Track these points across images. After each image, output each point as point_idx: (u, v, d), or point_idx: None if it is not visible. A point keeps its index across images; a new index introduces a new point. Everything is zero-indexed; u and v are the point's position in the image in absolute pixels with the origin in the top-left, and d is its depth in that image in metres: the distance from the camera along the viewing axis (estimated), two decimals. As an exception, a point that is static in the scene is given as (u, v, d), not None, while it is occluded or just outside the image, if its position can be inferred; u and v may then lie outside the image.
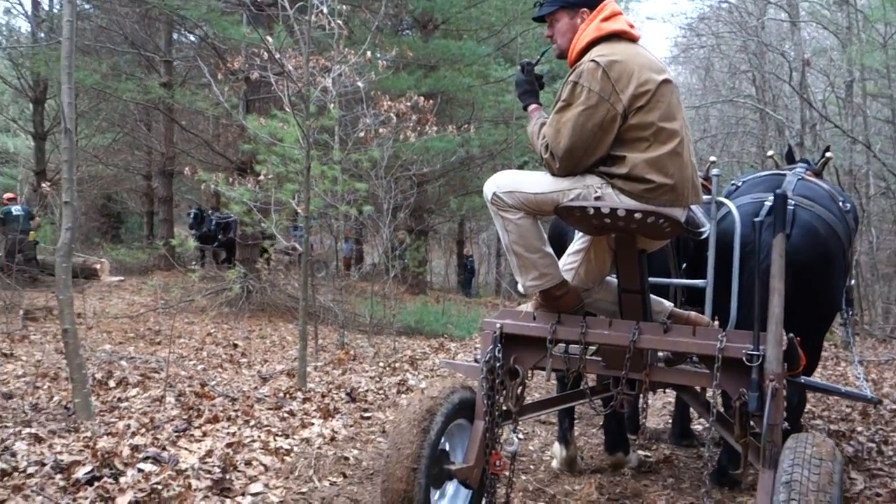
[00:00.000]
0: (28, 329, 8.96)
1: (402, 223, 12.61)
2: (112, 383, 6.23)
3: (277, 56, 7.68)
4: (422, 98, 9.00)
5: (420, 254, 15.17)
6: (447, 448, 3.13)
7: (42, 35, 19.37)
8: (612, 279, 3.27)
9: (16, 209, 13.74)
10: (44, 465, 3.85)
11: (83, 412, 4.76)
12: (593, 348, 3.19)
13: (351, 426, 5.21)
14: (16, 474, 3.78)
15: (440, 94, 13.43)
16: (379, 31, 13.43)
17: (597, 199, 2.76)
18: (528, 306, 3.22)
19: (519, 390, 3.16)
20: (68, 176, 4.90)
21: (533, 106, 3.05)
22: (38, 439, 4.31)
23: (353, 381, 6.78)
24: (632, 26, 2.92)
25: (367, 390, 6.41)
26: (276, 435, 4.72)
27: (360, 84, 7.87)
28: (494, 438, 3.11)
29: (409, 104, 8.30)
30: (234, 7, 11.29)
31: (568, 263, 3.25)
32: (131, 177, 23.41)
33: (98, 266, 14.37)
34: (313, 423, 5.08)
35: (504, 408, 3.15)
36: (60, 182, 16.39)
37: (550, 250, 3.00)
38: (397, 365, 7.94)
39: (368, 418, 5.48)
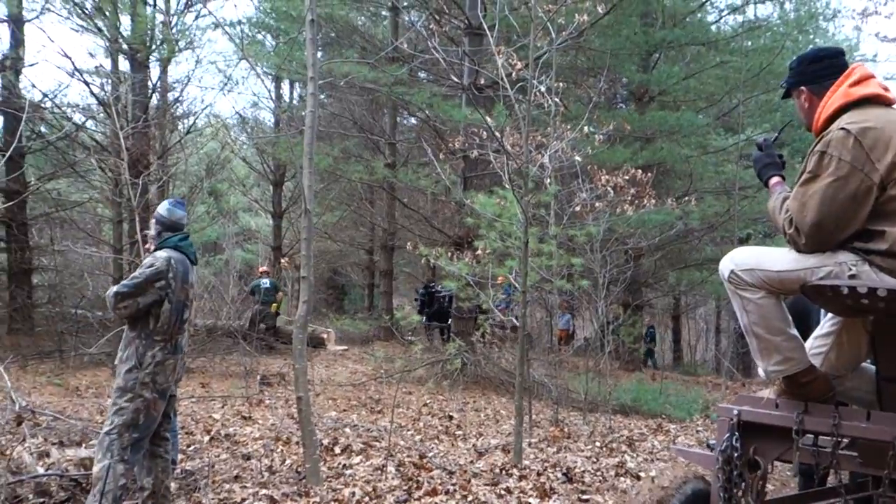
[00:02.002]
0: (264, 394, 9.71)
1: (617, 298, 12.34)
2: (338, 450, 6.53)
3: (497, 135, 7.95)
4: (639, 171, 8.85)
5: (635, 329, 14.69)
6: (679, 544, 2.91)
7: (282, 125, 21.65)
8: (868, 366, 2.93)
9: (264, 282, 15.08)
10: (279, 527, 4.08)
11: (313, 477, 5.02)
12: (846, 441, 2.86)
13: (569, 509, 5.05)
14: (255, 535, 4.03)
15: (657, 165, 13.19)
16: (595, 106, 13.56)
17: (851, 277, 2.50)
18: (769, 392, 2.96)
19: (760, 484, 2.89)
20: (306, 253, 5.31)
21: (775, 179, 2.86)
22: (272, 501, 4.59)
23: (568, 461, 6.59)
24: (886, 90, 2.67)
25: (583, 471, 6.20)
26: (494, 513, 4.68)
27: (577, 159, 7.90)
28: (733, 536, 2.84)
29: (626, 177, 8.21)
30: (455, 91, 11.91)
31: (815, 347, 2.97)
32: (355, 251, 25.09)
33: (325, 335, 15.35)
34: (530, 503, 4.98)
35: (743, 503, 2.89)
36: (295, 257, 17.79)
37: (795, 332, 2.75)
38: (614, 445, 7.64)
39: (586, 501, 5.28)
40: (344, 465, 5.93)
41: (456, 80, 12.31)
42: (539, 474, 5.88)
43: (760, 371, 2.89)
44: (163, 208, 4.33)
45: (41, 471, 4.65)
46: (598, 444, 7.59)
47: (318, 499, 4.66)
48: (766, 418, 2.85)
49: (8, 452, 5.03)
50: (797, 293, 2.66)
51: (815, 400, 2.77)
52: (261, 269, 16.78)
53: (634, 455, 7.17)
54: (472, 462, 6.40)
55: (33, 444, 5.59)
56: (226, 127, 24.65)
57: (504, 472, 5.90)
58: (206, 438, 6.71)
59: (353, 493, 4.82)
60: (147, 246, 4.25)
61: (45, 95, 13.39)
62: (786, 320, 2.71)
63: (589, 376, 9.80)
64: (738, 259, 2.73)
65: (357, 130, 17.92)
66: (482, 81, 11.79)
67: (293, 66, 13.04)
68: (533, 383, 10.10)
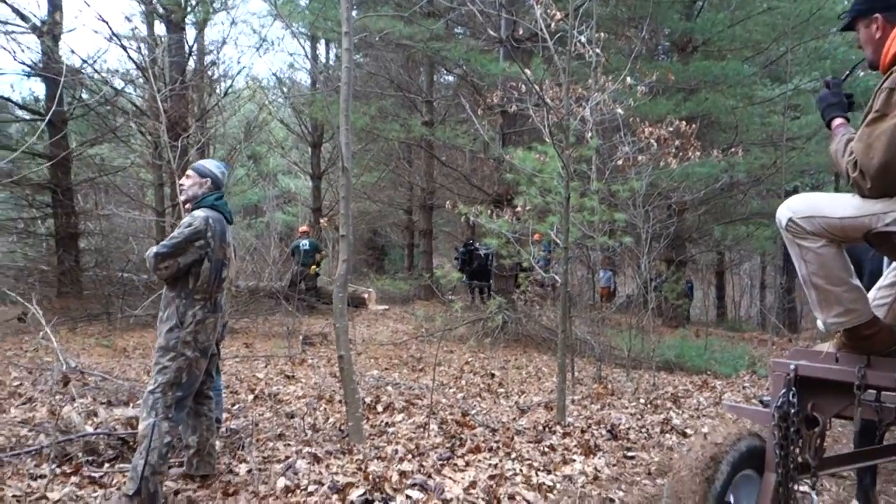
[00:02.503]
0: (306, 353, 9.78)
1: (660, 254, 12.12)
2: (380, 408, 6.53)
3: (536, 88, 7.76)
4: (683, 122, 8.58)
5: (679, 286, 14.45)
6: (732, 502, 2.82)
7: (318, 85, 21.55)
8: (935, 317, 2.77)
9: (304, 243, 15.13)
10: (321, 484, 4.07)
11: (356, 435, 5.02)
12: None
13: (614, 465, 4.98)
14: (298, 491, 4.03)
15: (701, 117, 12.81)
16: (636, 57, 13.17)
17: (920, 222, 2.34)
18: (828, 346, 2.83)
19: (818, 441, 2.77)
20: (344, 212, 5.24)
21: (838, 121, 2.67)
22: (316, 459, 4.59)
23: (612, 418, 6.52)
24: (963, 22, 2.47)
25: (628, 428, 6.12)
26: (538, 470, 4.62)
27: (618, 111, 7.68)
28: (789, 494, 2.74)
29: (669, 129, 7.96)
30: (492, 45, 11.66)
31: (879, 298, 2.82)
32: (394, 211, 25.06)
33: (366, 295, 15.40)
34: (574, 460, 4.93)
35: (800, 460, 2.78)
36: (335, 218, 17.73)
37: (857, 282, 2.60)
38: (658, 402, 7.53)
39: (632, 458, 5.20)
40: (386, 423, 5.93)
41: (493, 33, 12.05)
42: (583, 431, 5.82)
43: (819, 324, 2.75)
44: (214, 165, 4.28)
45: (89, 430, 4.71)
46: (642, 400, 7.49)
47: (360, 456, 4.66)
48: (826, 373, 2.73)
49: (57, 412, 5.11)
50: (860, 241, 2.52)
51: (878, 353, 2.64)
52: (300, 230, 16.82)
53: (680, 412, 7.06)
54: (514, 419, 6.36)
55: (82, 403, 5.67)
56: (263, 88, 24.67)
57: (547, 429, 5.85)
58: (251, 397, 6.77)
59: (396, 451, 4.81)
60: (182, 199, 4.19)
61: (84, 61, 13.46)
62: (847, 270, 2.57)
63: (632, 333, 9.67)
64: (797, 206, 2.58)
65: (394, 89, 17.76)
66: (520, 33, 11.51)
67: (328, 25, 12.90)
68: (575, 340, 10.01)
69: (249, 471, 4.41)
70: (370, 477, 4.22)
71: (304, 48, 22.98)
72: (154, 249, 3.91)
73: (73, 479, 4.16)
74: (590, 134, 7.79)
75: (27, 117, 13.50)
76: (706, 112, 12.93)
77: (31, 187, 13.07)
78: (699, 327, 17.09)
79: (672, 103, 11.70)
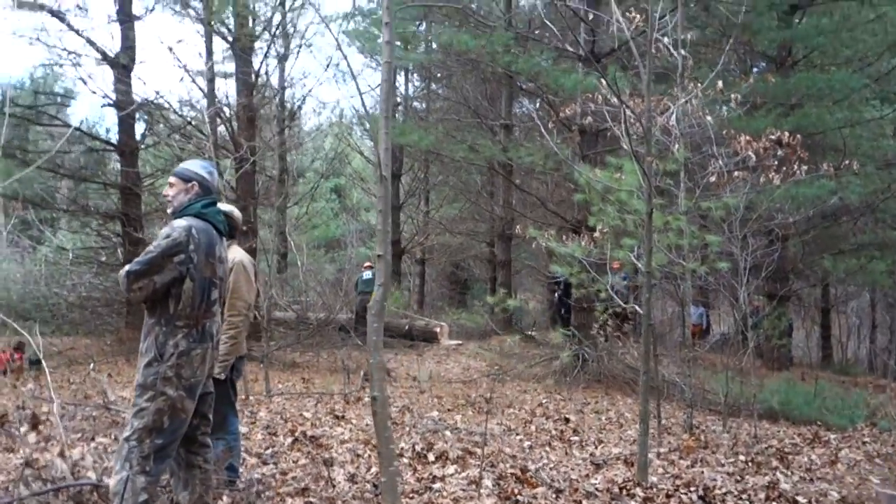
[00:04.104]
0: (364, 390, 9.03)
1: (759, 287, 10.89)
2: (431, 456, 5.69)
3: (614, 88, 6.88)
4: (786, 133, 7.49)
5: (782, 323, 13.05)
6: None
7: (397, 116, 21.21)
8: None
9: (366, 275, 14.61)
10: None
11: (389, 495, 4.17)
12: None
13: (707, 544, 3.98)
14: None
15: (804, 137, 11.54)
16: (726, 70, 12.07)
17: None
18: None
19: None
20: (383, 227, 4.47)
21: None
22: (337, 524, 3.80)
23: (706, 478, 5.46)
24: None
25: (725, 492, 5.06)
26: (609, 549, 3.69)
27: (708, 119, 6.71)
28: None
29: (772, 138, 6.90)
30: (566, 58, 10.84)
31: None
32: (476, 244, 24.34)
33: (438, 329, 14.63)
34: (657, 536, 3.95)
35: None
36: (414, 250, 17.22)
37: None
38: (762, 459, 6.39)
39: (731, 534, 4.18)
40: (434, 477, 5.07)
41: (570, 48, 11.24)
42: (668, 496, 4.81)
43: None
44: (199, 167, 3.61)
45: (91, 478, 4.07)
46: (742, 457, 6.37)
47: (390, 523, 3.82)
48: None
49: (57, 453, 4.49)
50: None
51: None
52: (366, 264, 16.29)
53: (788, 473, 5.92)
54: (586, 476, 5.40)
55: (100, 444, 5.10)
56: (342, 121, 24.59)
57: (625, 491, 4.87)
58: (289, 440, 6.05)
59: (436, 517, 3.96)
60: (169, 211, 3.51)
61: (157, 93, 13.39)
62: None
63: (728, 375, 8.50)
64: None
65: (471, 115, 17.15)
66: (598, 48, 10.67)
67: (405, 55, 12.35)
68: (662, 382, 8.92)
69: (255, 536, 3.65)
70: (394, 553, 3.38)
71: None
72: (126, 268, 3.24)
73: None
74: (676, 146, 6.83)
75: (97, 147, 13.48)
76: (810, 129, 11.62)
77: (102, 217, 12.97)
78: (804, 370, 15.53)
79: (770, 119, 10.53)
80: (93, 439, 5.41)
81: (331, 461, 5.43)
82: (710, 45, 13.54)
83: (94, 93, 13.87)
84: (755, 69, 15.67)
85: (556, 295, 14.23)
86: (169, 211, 3.53)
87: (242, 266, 4.31)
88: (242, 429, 6.30)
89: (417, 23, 18.97)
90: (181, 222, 3.32)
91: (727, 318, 24.65)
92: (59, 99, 17.78)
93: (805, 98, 12.00)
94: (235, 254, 4.34)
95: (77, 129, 13.31)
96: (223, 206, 4.11)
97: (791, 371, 14.80)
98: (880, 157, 14.51)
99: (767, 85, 11.02)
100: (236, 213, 4.44)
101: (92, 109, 38.15)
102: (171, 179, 3.55)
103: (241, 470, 4.78)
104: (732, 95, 7.63)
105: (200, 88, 10.85)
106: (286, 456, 5.54)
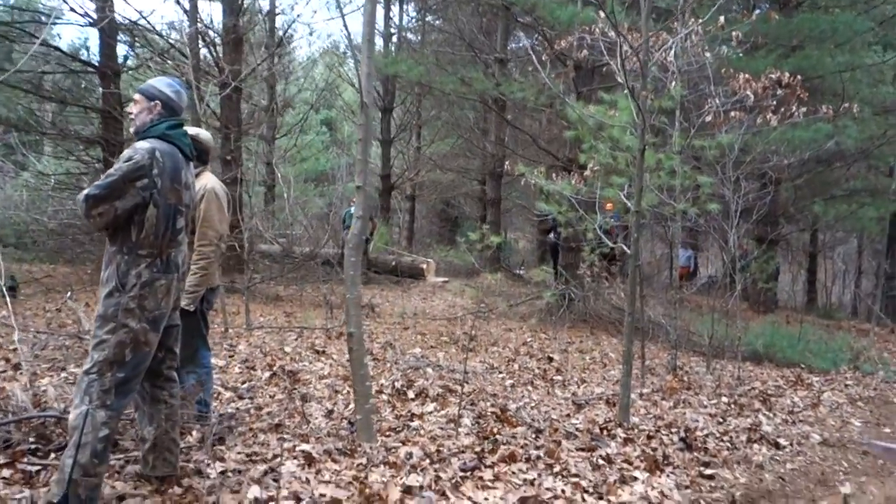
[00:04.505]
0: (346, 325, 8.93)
1: (750, 230, 10.76)
2: (411, 394, 5.61)
3: (609, 30, 6.59)
4: (787, 74, 7.22)
5: (770, 266, 12.97)
6: None
7: (391, 46, 20.62)
8: None
9: (353, 210, 14.37)
10: (299, 500, 3.17)
11: (365, 432, 4.09)
12: None
13: (686, 487, 3.92)
14: (269, 507, 3.15)
15: (804, 78, 11.24)
16: (727, 11, 11.71)
17: None
18: None
19: None
20: (362, 157, 4.28)
21: None
22: (309, 461, 3.69)
23: (687, 420, 5.42)
24: None
25: (706, 434, 5.02)
26: (586, 491, 3.61)
27: (707, 55, 6.45)
28: None
29: (772, 77, 6.65)
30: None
31: None
32: (467, 182, 24.06)
33: (424, 266, 14.50)
34: (636, 478, 3.88)
35: None
36: (404, 186, 16.91)
37: None
38: (744, 401, 6.36)
39: (710, 477, 4.13)
40: (412, 415, 5.00)
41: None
42: (650, 437, 4.75)
43: None
44: (165, 84, 3.37)
45: (53, 410, 3.95)
46: (724, 399, 6.34)
47: (363, 460, 3.73)
48: None
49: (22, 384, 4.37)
50: None
51: None
52: (353, 198, 15.98)
53: (771, 415, 5.89)
54: (567, 416, 5.34)
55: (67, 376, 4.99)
56: (334, 51, 23.95)
57: (605, 432, 4.80)
58: (267, 375, 5.94)
59: (410, 455, 3.87)
60: (132, 131, 3.28)
61: (140, 14, 12.89)
62: None
63: (714, 317, 8.45)
64: None
65: (466, 48, 16.69)
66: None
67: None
68: (648, 323, 8.86)
69: (224, 472, 3.55)
70: (366, 491, 3.30)
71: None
72: (85, 191, 3.03)
73: (5, 472, 3.38)
74: (673, 83, 6.58)
75: (78, 69, 13.01)
76: (810, 72, 11.31)
77: (82, 141, 12.60)
78: (789, 313, 15.57)
79: (770, 59, 10.22)
80: (63, 370, 5.29)
81: (307, 396, 5.34)
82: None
83: (72, 10, 13.33)
84: (757, 10, 15.22)
85: (550, 235, 14.02)
86: (131, 130, 3.31)
87: (214, 194, 4.10)
88: (219, 362, 6.21)
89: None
90: (144, 144, 3.10)
91: (715, 261, 24.70)
92: (42, 17, 17.14)
93: (807, 40, 11.65)
94: (207, 180, 4.13)
95: (56, 48, 12.80)
96: (190, 128, 3.89)
97: (776, 314, 14.84)
98: (878, 103, 14.23)
99: (770, 24, 10.66)
100: (203, 135, 4.19)
101: (81, 31, 36.98)
102: (135, 97, 3.31)
103: (214, 404, 4.68)
104: (734, 33, 7.33)
105: (182, 7, 10.34)
106: (263, 390, 5.44)
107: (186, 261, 3.41)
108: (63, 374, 5.11)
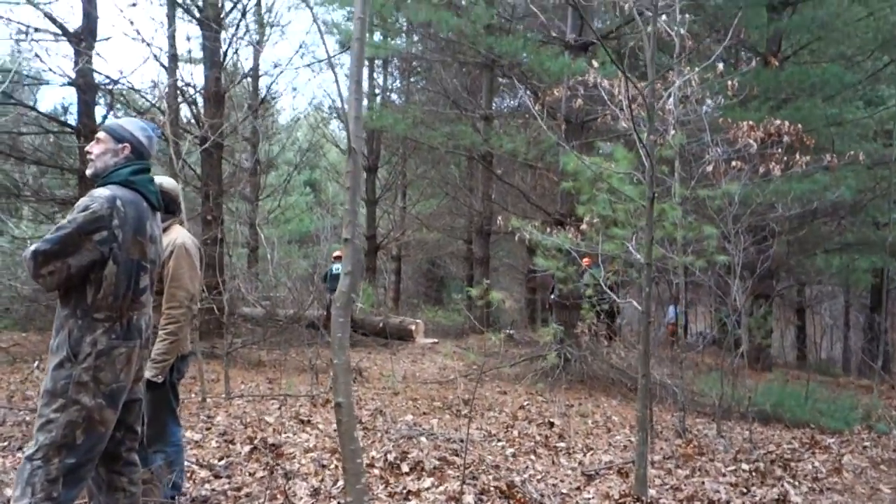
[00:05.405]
0: (332, 393, 8.42)
1: (750, 286, 10.42)
2: (405, 467, 5.12)
3: (601, 81, 6.37)
4: (786, 123, 7.01)
5: (767, 323, 12.63)
6: None
7: (375, 107, 20.49)
8: None
9: (335, 267, 13.97)
10: None
11: (355, 515, 3.61)
12: None
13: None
14: None
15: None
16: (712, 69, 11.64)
17: None
18: None
19: None
20: (350, 207, 3.90)
21: None
22: (292, 552, 3.22)
23: (708, 490, 4.96)
24: None
25: (732, 508, 4.56)
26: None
27: (707, 101, 6.22)
28: None
29: (776, 124, 6.42)
30: (551, 39, 10.26)
31: None
32: (453, 242, 23.78)
33: (413, 327, 14.03)
34: (665, 564, 3.42)
35: None
36: (390, 246, 16.50)
37: None
38: (764, 468, 5.90)
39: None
40: (408, 492, 4.51)
41: (555, 34, 10.71)
42: (672, 514, 4.29)
43: None
44: (136, 126, 3.00)
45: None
46: (743, 465, 5.88)
47: (355, 551, 3.26)
48: None
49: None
50: None
51: None
52: (335, 255, 15.49)
53: (795, 483, 5.43)
54: (577, 489, 4.87)
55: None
56: (318, 110, 23.82)
57: (623, 508, 4.34)
58: (247, 449, 5.44)
59: (408, 543, 3.39)
60: (90, 173, 2.89)
61: (121, 73, 12.65)
62: None
63: (722, 376, 8.04)
64: None
65: (452, 107, 16.59)
66: (589, 38, 10.14)
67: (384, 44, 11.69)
68: (653, 384, 8.43)
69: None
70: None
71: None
72: (33, 247, 2.63)
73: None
74: (672, 131, 6.32)
75: (55, 129, 12.67)
76: (802, 123, 11.17)
77: (59, 203, 12.19)
78: (788, 370, 15.18)
79: (764, 111, 10.07)
80: (20, 449, 4.79)
81: (291, 474, 4.85)
82: (700, 37, 13.08)
83: (50, 70, 13.07)
84: (743, 66, 15.29)
85: (550, 294, 13.64)
86: (89, 173, 2.91)
87: (185, 249, 3.68)
88: (195, 436, 5.71)
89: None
90: (103, 192, 2.71)
91: (705, 318, 24.37)
92: (25, 81, 16.89)
93: (797, 92, 11.57)
94: (177, 235, 3.72)
95: (32, 108, 12.49)
96: (155, 178, 3.51)
97: (773, 372, 14.43)
98: (866, 158, 14.20)
99: (761, 76, 10.58)
100: (168, 183, 3.76)
101: (64, 93, 36.82)
102: (100, 135, 2.93)
103: (187, 485, 4.19)
104: (729, 83, 7.15)
105: (160, 62, 10.06)
106: (242, 467, 4.94)
107: (151, 325, 2.99)
108: (19, 454, 4.61)
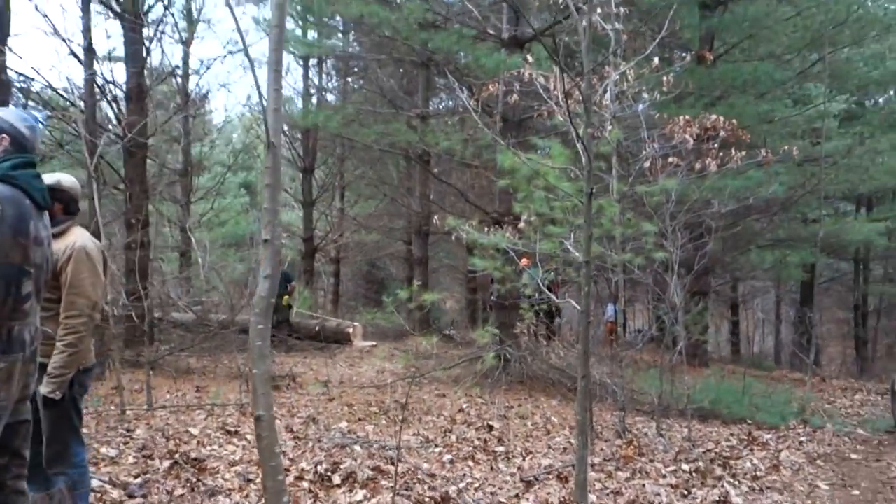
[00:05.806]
0: (266, 399, 8.08)
1: (687, 282, 10.47)
2: (337, 479, 4.86)
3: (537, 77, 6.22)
4: (722, 118, 6.99)
5: (704, 319, 12.74)
6: None
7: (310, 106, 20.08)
8: None
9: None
10: None
11: (277, 537, 3.35)
12: None
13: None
14: None
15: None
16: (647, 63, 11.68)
17: None
18: None
19: None
20: (270, 206, 3.63)
21: None
22: (206, 582, 2.94)
23: (648, 493, 4.84)
24: None
25: (674, 511, 4.44)
26: None
27: (644, 96, 6.13)
28: None
29: (711, 118, 6.38)
30: (486, 35, 10.11)
31: None
32: (393, 243, 23.50)
33: (350, 330, 13.73)
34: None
35: None
36: (328, 248, 16.15)
37: None
38: (703, 465, 5.84)
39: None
40: (338, 507, 4.26)
41: (492, 32, 10.57)
42: (614, 521, 4.14)
43: None
44: (15, 116, 2.70)
45: None
46: (683, 465, 5.80)
47: (276, 578, 2.99)
48: None
49: None
50: None
51: None
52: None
53: (736, 483, 5.37)
54: (516, 497, 4.69)
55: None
56: (251, 109, 23.22)
57: (563, 517, 4.17)
58: (167, 464, 5.09)
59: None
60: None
61: (35, 70, 12.01)
62: None
63: (661, 374, 7.99)
64: None
65: (388, 106, 16.31)
66: (524, 35, 10.02)
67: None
68: (593, 384, 8.34)
69: None
70: None
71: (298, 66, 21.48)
72: None
73: None
74: (609, 126, 6.21)
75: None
76: (737, 120, 11.32)
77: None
78: (723, 365, 15.37)
79: (699, 107, 10.12)
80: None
81: (214, 490, 4.54)
82: (635, 34, 13.13)
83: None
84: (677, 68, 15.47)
85: (491, 294, 13.47)
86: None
87: (85, 253, 3.34)
88: (110, 451, 5.34)
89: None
90: (-22, 187, 2.40)
91: (642, 315, 24.66)
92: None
93: (730, 89, 11.69)
94: (76, 237, 3.38)
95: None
96: (51, 175, 3.19)
97: (710, 368, 14.59)
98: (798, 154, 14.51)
99: (695, 73, 10.63)
100: (66, 181, 3.43)
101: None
102: None
103: (94, 509, 3.86)
104: (664, 78, 7.10)
105: (76, 55, 9.48)
106: (160, 485, 4.60)
107: (39, 336, 2.67)
108: None
